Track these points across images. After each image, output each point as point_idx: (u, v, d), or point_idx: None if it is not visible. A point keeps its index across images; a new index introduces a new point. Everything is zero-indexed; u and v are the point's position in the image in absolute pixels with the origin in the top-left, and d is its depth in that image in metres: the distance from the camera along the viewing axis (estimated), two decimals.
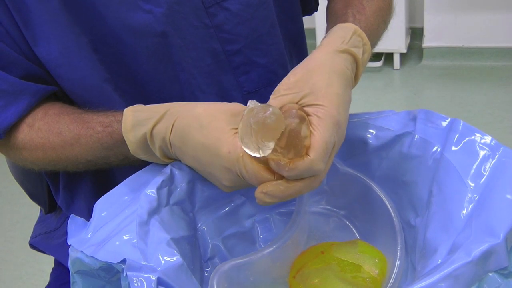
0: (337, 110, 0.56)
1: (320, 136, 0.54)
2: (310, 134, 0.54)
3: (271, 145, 0.52)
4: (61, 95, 0.73)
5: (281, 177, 0.55)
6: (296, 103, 0.57)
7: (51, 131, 0.68)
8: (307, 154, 0.53)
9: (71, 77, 0.70)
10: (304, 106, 0.57)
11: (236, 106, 0.60)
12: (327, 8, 0.82)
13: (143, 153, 0.63)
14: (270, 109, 0.52)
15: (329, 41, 0.63)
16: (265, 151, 0.53)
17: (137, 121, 0.62)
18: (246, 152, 0.54)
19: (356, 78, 0.64)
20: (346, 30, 0.64)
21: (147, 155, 0.64)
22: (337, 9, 0.74)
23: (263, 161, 0.55)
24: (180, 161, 0.63)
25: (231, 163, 0.56)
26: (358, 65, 0.63)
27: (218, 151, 0.56)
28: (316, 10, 0.91)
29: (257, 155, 0.53)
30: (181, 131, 0.59)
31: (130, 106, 0.64)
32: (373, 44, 0.71)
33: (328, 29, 0.71)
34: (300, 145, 0.53)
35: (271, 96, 0.59)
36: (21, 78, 0.69)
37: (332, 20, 0.73)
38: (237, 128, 0.57)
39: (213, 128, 0.57)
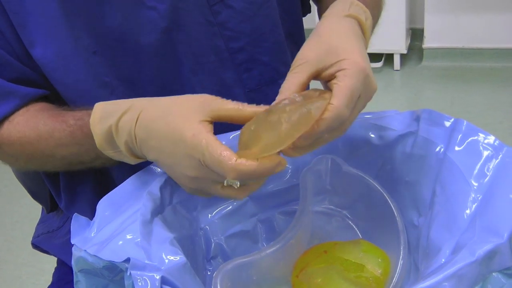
0: (361, 58, 0.56)
1: (344, 84, 0.54)
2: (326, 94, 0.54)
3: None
4: (53, 99, 0.72)
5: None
6: (319, 68, 0.57)
7: (28, 125, 0.68)
8: (330, 103, 0.53)
9: (66, 81, 0.69)
10: (328, 67, 0.56)
11: (203, 96, 0.58)
12: (319, 9, 0.84)
13: (109, 147, 0.62)
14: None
15: (330, 12, 0.64)
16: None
17: (105, 113, 0.61)
18: (210, 136, 0.53)
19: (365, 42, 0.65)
20: (345, 2, 0.65)
21: (114, 151, 0.62)
22: None
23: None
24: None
25: (194, 147, 0.53)
26: (364, 30, 0.64)
27: (182, 136, 0.54)
28: (310, 12, 0.92)
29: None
30: (146, 122, 0.58)
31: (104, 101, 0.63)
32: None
33: None
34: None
35: (291, 70, 0.58)
36: (13, 80, 0.68)
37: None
38: (204, 117, 0.55)
39: (178, 115, 0.56)
